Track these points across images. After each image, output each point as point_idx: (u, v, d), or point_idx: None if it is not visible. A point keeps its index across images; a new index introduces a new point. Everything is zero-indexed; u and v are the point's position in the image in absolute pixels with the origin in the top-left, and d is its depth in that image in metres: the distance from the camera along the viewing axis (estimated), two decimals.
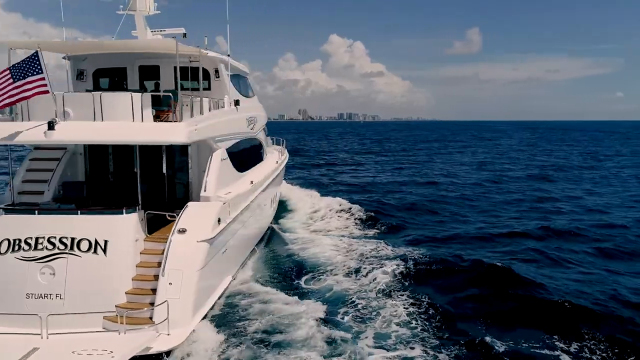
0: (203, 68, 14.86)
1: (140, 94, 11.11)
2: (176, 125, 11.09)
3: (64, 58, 14.77)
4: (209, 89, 15.19)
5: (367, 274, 13.87)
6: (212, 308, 11.04)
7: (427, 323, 10.86)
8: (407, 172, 40.99)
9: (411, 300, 12.01)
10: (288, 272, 14.47)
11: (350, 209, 22.96)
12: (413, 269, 14.20)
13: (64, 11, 14.76)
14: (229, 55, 15.27)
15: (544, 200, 27.14)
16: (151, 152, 13.47)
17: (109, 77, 15.44)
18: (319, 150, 71.25)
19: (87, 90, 13.60)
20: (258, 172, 17.10)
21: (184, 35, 17.24)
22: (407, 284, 13.27)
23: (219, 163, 12.84)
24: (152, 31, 15.63)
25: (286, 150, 27.10)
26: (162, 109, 12.71)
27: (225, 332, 10.14)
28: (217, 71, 14.96)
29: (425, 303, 11.84)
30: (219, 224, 11.27)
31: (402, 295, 12.37)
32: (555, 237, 18.71)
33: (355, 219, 21.50)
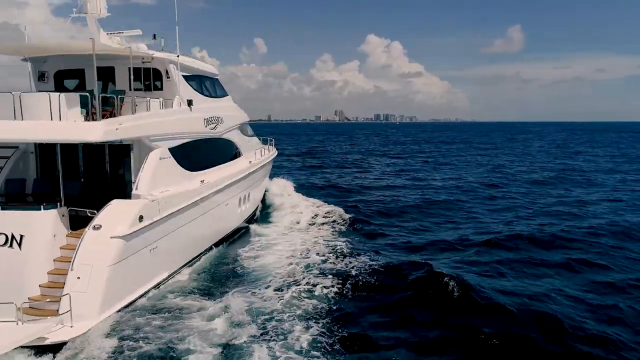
0: (154, 69, 15.28)
1: (58, 94, 11.45)
2: (92, 124, 11.41)
3: (23, 60, 15.37)
4: (161, 89, 15.54)
5: (300, 291, 12.66)
6: (130, 304, 11.23)
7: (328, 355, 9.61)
8: (409, 176, 40.29)
9: (321, 328, 10.56)
10: (224, 279, 13.90)
11: (332, 212, 22.82)
12: (350, 290, 13.01)
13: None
14: (178, 56, 15.45)
15: (532, 207, 26.00)
16: (96, 151, 13.89)
17: (69, 78, 15.97)
18: (335, 152, 70.94)
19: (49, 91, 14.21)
20: (220, 172, 17.29)
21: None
22: (331, 307, 11.83)
23: (155, 162, 13.09)
24: (109, 33, 16.03)
25: (275, 150, 27.37)
26: (107, 108, 13.25)
27: (125, 334, 9.95)
28: (167, 72, 15.25)
29: (335, 333, 10.46)
30: (140, 221, 11.48)
31: (318, 321, 10.90)
32: (523, 246, 17.69)
33: (334, 224, 21.06)
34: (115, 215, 11.22)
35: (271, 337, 10.02)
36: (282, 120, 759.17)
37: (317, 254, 16.02)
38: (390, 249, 17.63)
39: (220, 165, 17.83)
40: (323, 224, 21.24)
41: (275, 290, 12.78)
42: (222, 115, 18.51)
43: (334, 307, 11.84)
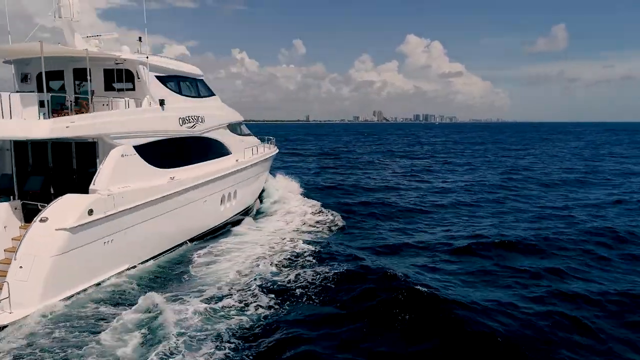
0: (126, 70, 15.83)
1: (9, 94, 12.08)
2: (39, 122, 11.97)
3: (5, 62, 16.22)
4: (133, 89, 16.07)
5: (232, 306, 11.64)
6: (75, 295, 11.71)
7: None
8: (419, 178, 39.45)
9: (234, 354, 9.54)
10: (162, 285, 13.25)
11: (323, 215, 22.70)
12: (288, 305, 11.97)
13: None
14: (147, 57, 15.93)
15: (531, 210, 25.21)
16: (64, 149, 14.54)
17: (51, 79, 16.72)
18: (356, 152, 70.32)
19: (31, 92, 15.00)
20: (197, 170, 17.65)
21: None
22: (257, 329, 10.70)
23: (115, 159, 13.60)
24: (88, 36, 16.71)
25: (274, 149, 27.62)
26: (76, 107, 13.97)
27: (56, 328, 10.00)
28: (137, 73, 15.76)
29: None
30: (90, 215, 11.96)
31: (237, 344, 9.85)
32: (501, 252, 17.00)
33: (319, 228, 20.53)
34: (63, 209, 11.73)
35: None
36: (320, 120, 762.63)
37: (275, 264, 14.89)
38: (363, 255, 16.40)
39: (199, 163, 18.21)
40: (308, 227, 20.92)
41: (206, 301, 11.72)
42: (204, 114, 18.90)
43: (259, 330, 10.60)
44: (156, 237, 15.12)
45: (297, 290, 12.83)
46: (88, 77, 14.16)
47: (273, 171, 29.67)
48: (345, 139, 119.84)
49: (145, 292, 11.83)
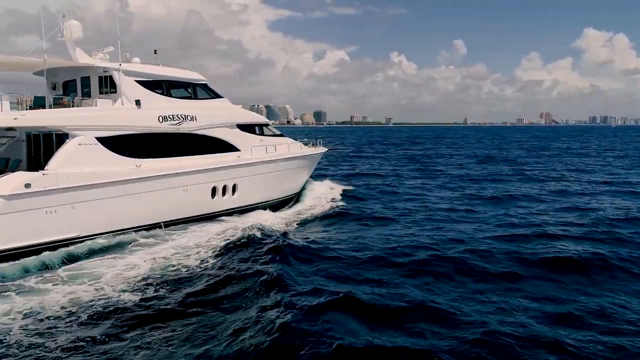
0: (110, 76, 19.46)
1: None
2: None
3: (34, 74, 20.98)
4: (115, 91, 19.53)
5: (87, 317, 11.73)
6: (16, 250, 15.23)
7: None
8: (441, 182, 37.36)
9: None
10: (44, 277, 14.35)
11: (309, 221, 23.43)
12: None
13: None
14: (120, 64, 19.25)
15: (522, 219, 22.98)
16: (36, 140, 18.74)
17: (67, 86, 21.16)
18: (430, 156, 67.53)
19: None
20: (176, 162, 20.34)
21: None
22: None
23: (72, 147, 17.10)
24: (96, 52, 20.63)
25: (310, 149, 29.02)
26: (57, 106, 18.25)
27: None
28: (113, 78, 19.20)
29: None
30: (27, 188, 15.47)
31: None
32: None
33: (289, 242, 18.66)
34: (5, 181, 15.36)
35: None
36: (479, 123, 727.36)
37: (175, 272, 14.98)
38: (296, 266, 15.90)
39: (185, 157, 20.83)
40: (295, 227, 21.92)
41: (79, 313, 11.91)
42: (197, 114, 21.55)
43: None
44: (114, 215, 17.98)
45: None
46: (103, 83, 18.44)
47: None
48: (450, 142, 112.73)
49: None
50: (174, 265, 15.63)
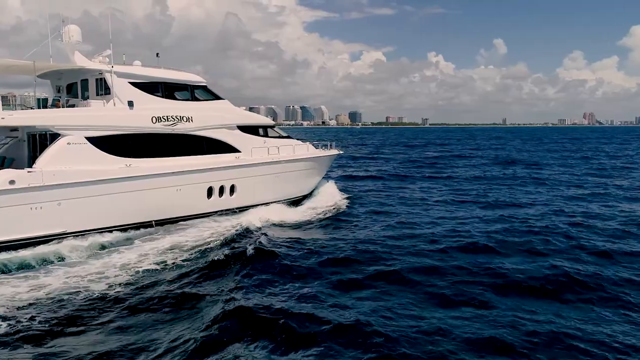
0: (103, 78, 20.13)
1: None
2: None
3: (38, 76, 21.89)
4: (109, 93, 20.18)
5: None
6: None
7: None
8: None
9: None
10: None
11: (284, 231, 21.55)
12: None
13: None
14: (112, 66, 19.90)
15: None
16: (33, 139, 19.67)
17: (71, 88, 22.02)
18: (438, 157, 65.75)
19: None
20: (170, 162, 20.80)
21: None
22: None
23: (60, 146, 17.83)
24: (96, 55, 21.31)
25: (319, 151, 28.79)
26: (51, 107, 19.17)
27: None
28: (106, 79, 19.88)
29: None
30: (11, 184, 16.24)
31: None
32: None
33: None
34: None
35: None
36: (518, 124, 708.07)
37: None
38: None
39: (180, 157, 21.26)
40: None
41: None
42: (193, 115, 21.93)
43: None
44: (102, 213, 18.53)
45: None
46: (100, 85, 19.41)
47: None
48: (491, 143, 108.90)
49: None
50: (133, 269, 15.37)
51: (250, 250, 16.94)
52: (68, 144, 18.01)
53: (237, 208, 23.02)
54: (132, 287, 13.82)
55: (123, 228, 19.15)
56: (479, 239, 19.26)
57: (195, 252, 17.24)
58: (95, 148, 18.72)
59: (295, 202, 26.71)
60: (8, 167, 17.82)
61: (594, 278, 14.44)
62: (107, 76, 19.79)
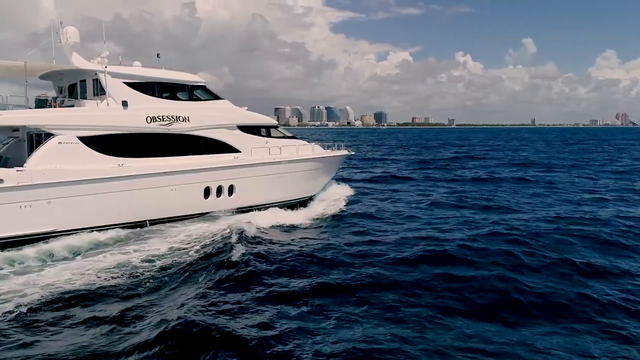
0: (97, 79, 20.56)
1: None
2: None
3: (40, 77, 22.50)
4: (104, 93, 20.58)
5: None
6: None
7: None
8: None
9: None
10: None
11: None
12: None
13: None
14: (106, 67, 20.29)
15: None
16: (31, 139, 20.02)
17: (72, 89, 22.53)
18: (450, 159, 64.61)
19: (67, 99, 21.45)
20: (165, 162, 21.01)
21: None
22: None
23: (51, 145, 18.26)
24: (96, 56, 21.74)
25: (323, 151, 28.20)
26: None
27: None
28: (100, 80, 20.31)
29: None
30: (0, 183, 16.73)
31: None
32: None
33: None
34: None
35: None
36: (548, 124, 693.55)
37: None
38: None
39: (174, 157, 21.44)
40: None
41: None
42: (190, 115, 22.09)
43: None
44: (93, 212, 18.80)
45: None
46: (96, 85, 19.89)
47: None
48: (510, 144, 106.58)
49: None
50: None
51: (223, 257, 16.18)
52: (59, 143, 18.42)
53: (236, 208, 23.00)
54: (90, 289, 13.75)
55: (115, 227, 19.39)
56: (451, 247, 17.94)
57: (168, 257, 16.82)
58: (88, 148, 19.08)
59: (302, 203, 26.49)
60: (2, 167, 18.37)
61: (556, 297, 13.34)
62: (101, 76, 20.17)
